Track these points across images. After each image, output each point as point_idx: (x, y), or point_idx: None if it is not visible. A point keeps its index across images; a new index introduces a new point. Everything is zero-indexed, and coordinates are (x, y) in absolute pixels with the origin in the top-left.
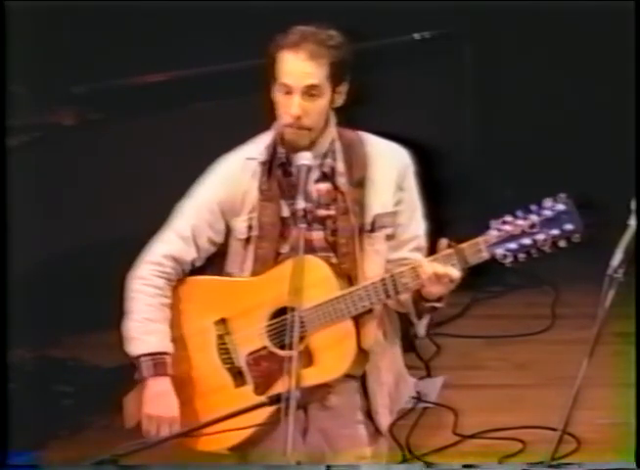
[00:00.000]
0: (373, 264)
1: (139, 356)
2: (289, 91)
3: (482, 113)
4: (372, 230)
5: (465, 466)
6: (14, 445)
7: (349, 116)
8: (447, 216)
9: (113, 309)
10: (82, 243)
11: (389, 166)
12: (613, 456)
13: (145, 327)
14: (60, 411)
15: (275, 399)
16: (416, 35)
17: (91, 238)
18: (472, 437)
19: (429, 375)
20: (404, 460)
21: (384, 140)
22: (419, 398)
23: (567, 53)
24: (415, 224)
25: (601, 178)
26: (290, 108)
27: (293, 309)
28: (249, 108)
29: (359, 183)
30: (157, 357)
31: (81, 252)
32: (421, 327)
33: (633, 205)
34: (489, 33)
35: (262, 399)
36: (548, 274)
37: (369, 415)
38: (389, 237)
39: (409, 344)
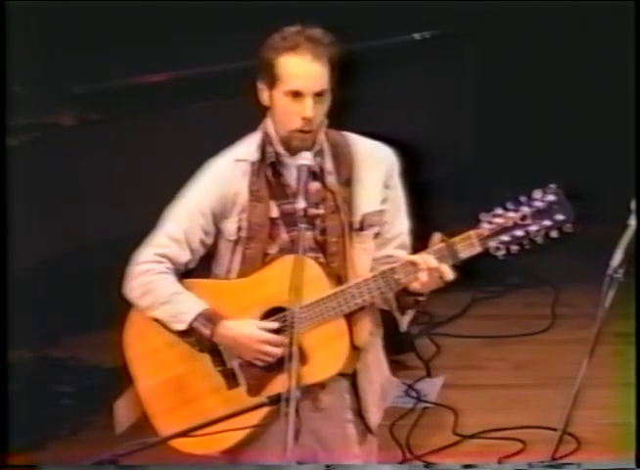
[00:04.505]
0: (362, 263)
1: (190, 325)
2: (299, 95)
3: (482, 113)
4: (361, 229)
5: (465, 466)
6: (14, 445)
7: (348, 115)
8: (446, 216)
9: (112, 309)
10: (82, 243)
11: (376, 165)
12: (613, 456)
13: (177, 301)
14: (60, 411)
15: (275, 400)
16: (416, 35)
17: (91, 238)
18: (472, 437)
19: (429, 375)
20: (404, 460)
21: (368, 139)
22: (419, 398)
23: (567, 53)
24: (400, 222)
25: (601, 178)
26: (303, 111)
27: (284, 310)
28: (248, 108)
29: (347, 182)
30: (204, 313)
31: (81, 252)
32: (404, 322)
33: (633, 205)
34: (489, 33)
35: (262, 399)
36: (548, 274)
37: (359, 414)
38: (376, 235)
39: (409, 344)
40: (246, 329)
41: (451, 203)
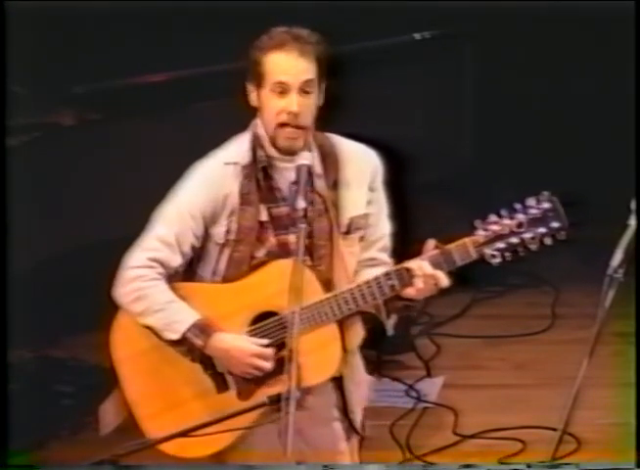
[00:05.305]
0: (349, 266)
1: (183, 335)
2: (285, 90)
3: (482, 113)
4: (348, 232)
5: (463, 466)
6: (14, 445)
7: (347, 116)
8: (446, 216)
9: (113, 310)
10: (82, 243)
11: (361, 168)
12: (613, 456)
13: (171, 310)
14: (60, 411)
15: (276, 400)
16: (416, 35)
17: (91, 238)
18: (472, 437)
19: (429, 375)
20: (404, 460)
21: (351, 141)
22: (419, 398)
23: (567, 53)
24: (382, 224)
25: (601, 178)
26: (289, 105)
27: (275, 314)
28: (248, 108)
29: (334, 185)
30: (197, 324)
31: (81, 252)
32: (390, 326)
33: (633, 205)
34: (489, 33)
35: (263, 399)
36: (548, 274)
37: (344, 413)
38: (361, 238)
39: (409, 344)
40: (238, 342)
41: (451, 203)
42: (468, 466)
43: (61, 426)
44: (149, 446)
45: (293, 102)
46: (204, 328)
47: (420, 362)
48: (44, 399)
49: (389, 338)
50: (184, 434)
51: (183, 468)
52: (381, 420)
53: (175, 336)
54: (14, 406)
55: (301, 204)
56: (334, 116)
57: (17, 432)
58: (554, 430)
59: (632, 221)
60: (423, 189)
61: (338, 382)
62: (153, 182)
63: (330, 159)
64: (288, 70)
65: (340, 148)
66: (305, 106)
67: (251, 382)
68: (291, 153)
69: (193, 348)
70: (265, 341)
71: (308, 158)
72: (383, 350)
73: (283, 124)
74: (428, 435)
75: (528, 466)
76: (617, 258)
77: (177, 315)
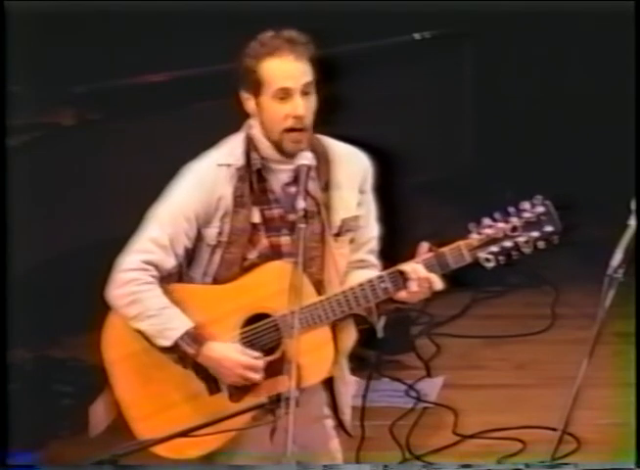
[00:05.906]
0: (340, 268)
1: (176, 343)
2: (287, 95)
3: (482, 113)
4: (339, 234)
5: (463, 466)
6: (14, 445)
7: (347, 116)
8: (446, 217)
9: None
10: (82, 243)
11: (352, 170)
12: (613, 457)
13: (164, 316)
14: (60, 411)
15: (275, 400)
16: (416, 35)
17: (91, 238)
18: (472, 437)
19: (429, 375)
20: (404, 460)
21: (342, 143)
22: (419, 398)
23: (566, 53)
24: (372, 226)
25: (601, 178)
26: (294, 109)
27: (268, 316)
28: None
29: (326, 186)
30: (190, 332)
31: (81, 252)
32: (380, 328)
33: (633, 205)
34: (489, 33)
35: (262, 399)
36: (548, 274)
37: (335, 413)
38: (351, 240)
39: (409, 344)
40: (230, 353)
41: (451, 204)
42: (468, 466)
43: (61, 426)
44: (149, 447)
45: (298, 106)
46: (196, 337)
47: (420, 362)
48: (44, 400)
49: (390, 338)
50: (184, 434)
51: (183, 469)
52: (381, 420)
53: (167, 343)
54: (14, 406)
55: (301, 204)
56: (334, 116)
57: (17, 432)
58: (554, 430)
59: (632, 221)
60: (422, 189)
61: (326, 381)
62: (153, 182)
63: (321, 160)
64: (288, 76)
65: (331, 149)
66: (308, 108)
67: (243, 384)
68: (294, 155)
69: (185, 356)
70: (257, 353)
71: (309, 158)
72: (383, 350)
73: (289, 129)
74: (428, 435)
75: (527, 466)
76: (617, 258)
77: (170, 322)
